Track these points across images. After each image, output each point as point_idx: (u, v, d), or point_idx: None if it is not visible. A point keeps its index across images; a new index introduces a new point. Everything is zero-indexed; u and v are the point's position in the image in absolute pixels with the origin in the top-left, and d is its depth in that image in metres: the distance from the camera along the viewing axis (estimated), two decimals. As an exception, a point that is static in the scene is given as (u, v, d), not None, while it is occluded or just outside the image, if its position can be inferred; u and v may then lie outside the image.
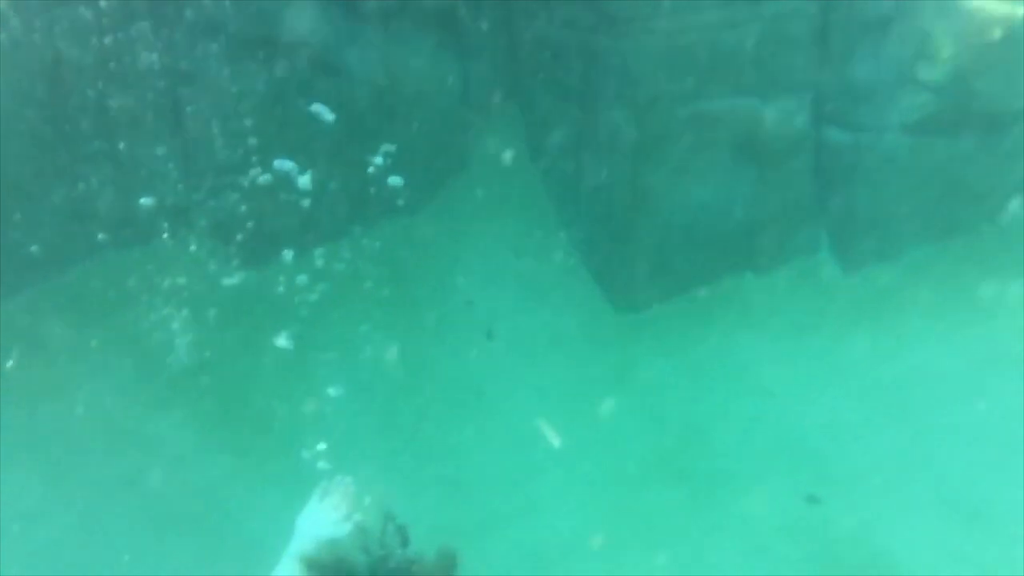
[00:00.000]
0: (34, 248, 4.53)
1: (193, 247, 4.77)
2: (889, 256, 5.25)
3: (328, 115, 4.67)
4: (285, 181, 4.61)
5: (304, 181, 4.58)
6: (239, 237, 4.75)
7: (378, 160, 4.82)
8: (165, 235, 4.70)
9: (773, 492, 4.44)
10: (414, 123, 5.23)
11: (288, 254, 4.79)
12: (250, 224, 4.75)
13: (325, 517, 2.79)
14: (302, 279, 4.65)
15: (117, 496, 4.36)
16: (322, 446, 4.30)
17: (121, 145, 4.65)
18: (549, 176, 5.54)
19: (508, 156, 5.48)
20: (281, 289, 4.66)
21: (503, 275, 5.36)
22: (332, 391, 4.46)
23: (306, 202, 4.69)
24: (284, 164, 4.59)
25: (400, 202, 5.00)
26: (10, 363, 4.45)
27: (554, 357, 5.10)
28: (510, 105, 5.73)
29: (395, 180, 4.82)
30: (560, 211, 5.51)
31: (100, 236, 4.67)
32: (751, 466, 4.62)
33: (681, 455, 4.73)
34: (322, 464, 4.47)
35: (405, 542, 2.12)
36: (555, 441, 4.67)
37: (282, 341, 4.51)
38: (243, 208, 4.72)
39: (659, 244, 5.15)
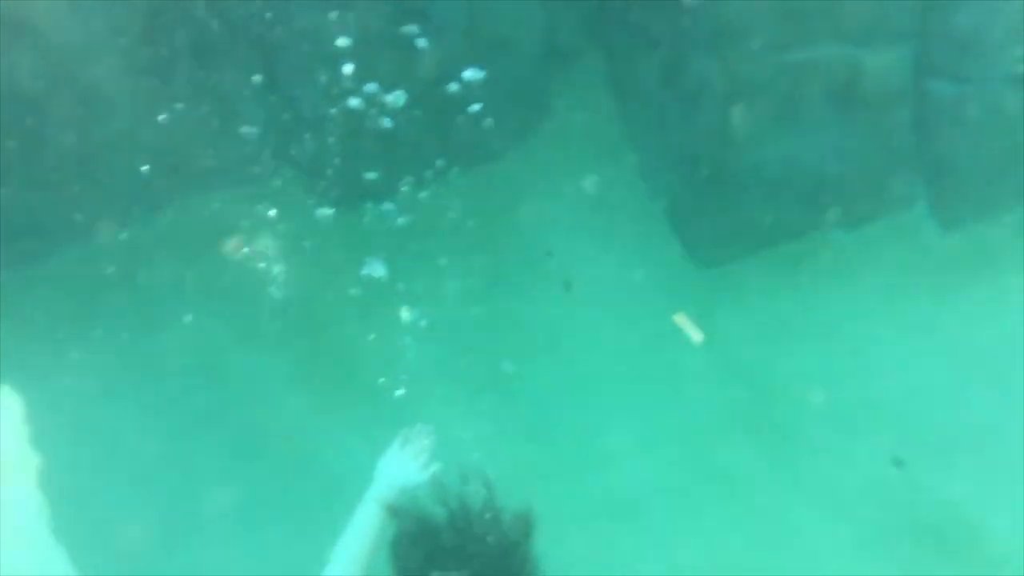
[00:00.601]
0: (130, 186, 4.60)
1: (285, 182, 4.80)
2: (990, 214, 5.02)
3: (420, 42, 4.63)
4: (376, 113, 4.60)
5: (394, 98, 4.54)
6: (330, 171, 4.76)
7: (463, 104, 4.78)
8: (258, 170, 4.73)
9: (856, 454, 4.35)
10: (498, 68, 5.15)
11: (377, 190, 4.79)
12: (341, 159, 4.76)
13: (405, 464, 2.80)
14: (390, 215, 4.66)
15: (204, 429, 4.47)
16: (402, 390, 4.36)
17: (215, 80, 4.64)
18: (634, 125, 5.43)
19: (592, 104, 5.38)
20: (370, 225, 4.68)
21: (583, 226, 5.29)
22: (412, 333, 4.50)
23: (395, 140, 4.66)
24: (375, 93, 4.57)
25: (484, 148, 4.96)
26: (108, 298, 4.55)
27: (632, 309, 5.05)
28: (596, 52, 5.61)
29: (479, 125, 4.78)
30: (643, 161, 5.41)
31: (193, 173, 4.72)
32: (834, 426, 4.51)
33: (760, 411, 4.66)
34: (402, 406, 4.56)
35: (483, 498, 2.11)
36: (696, 337, 4.67)
37: (374, 270, 4.52)
38: (334, 142, 4.72)
39: (745, 197, 5.01)
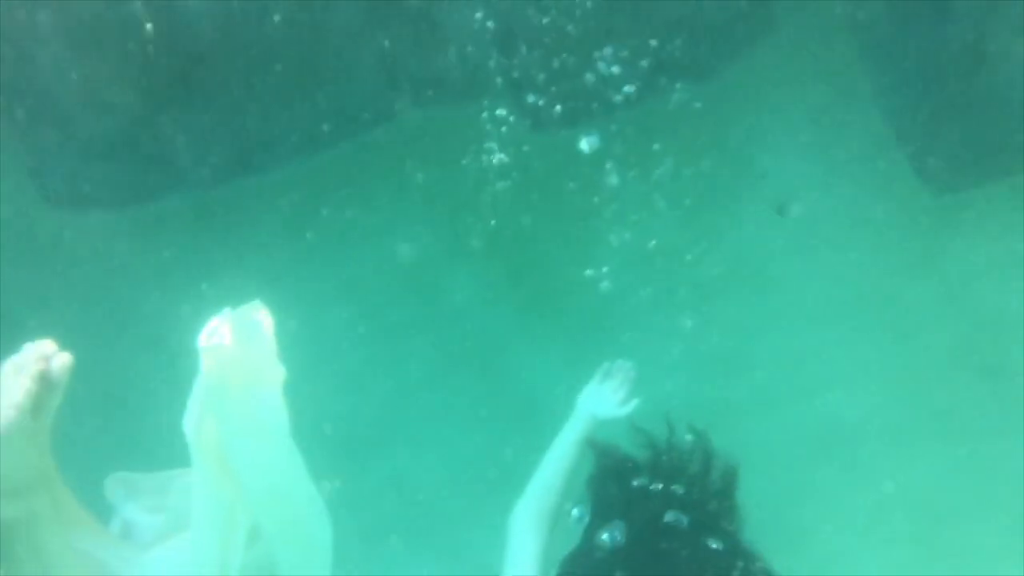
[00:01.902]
0: (347, 104, 4.71)
1: (495, 107, 4.81)
2: None
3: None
4: (584, 42, 4.50)
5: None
6: (538, 99, 4.73)
7: (678, 22, 4.57)
8: (469, 95, 4.74)
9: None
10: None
11: (585, 115, 4.72)
12: (550, 86, 4.70)
13: (605, 399, 2.79)
14: (593, 142, 4.58)
15: (410, 338, 4.63)
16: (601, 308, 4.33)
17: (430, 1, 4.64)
18: (868, 41, 5.03)
19: (822, 18, 5.03)
20: (574, 152, 4.62)
21: (804, 148, 5.01)
22: (618, 258, 4.46)
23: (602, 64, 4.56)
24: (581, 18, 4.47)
25: (700, 65, 4.75)
26: (323, 211, 4.73)
27: (852, 238, 4.77)
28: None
29: (694, 42, 4.55)
30: (877, 80, 5.01)
31: (404, 95, 4.79)
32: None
33: (988, 350, 4.36)
34: (603, 328, 4.54)
35: (691, 444, 2.04)
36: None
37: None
38: (542, 69, 4.67)
39: (993, 119, 4.55)
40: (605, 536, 1.90)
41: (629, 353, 4.43)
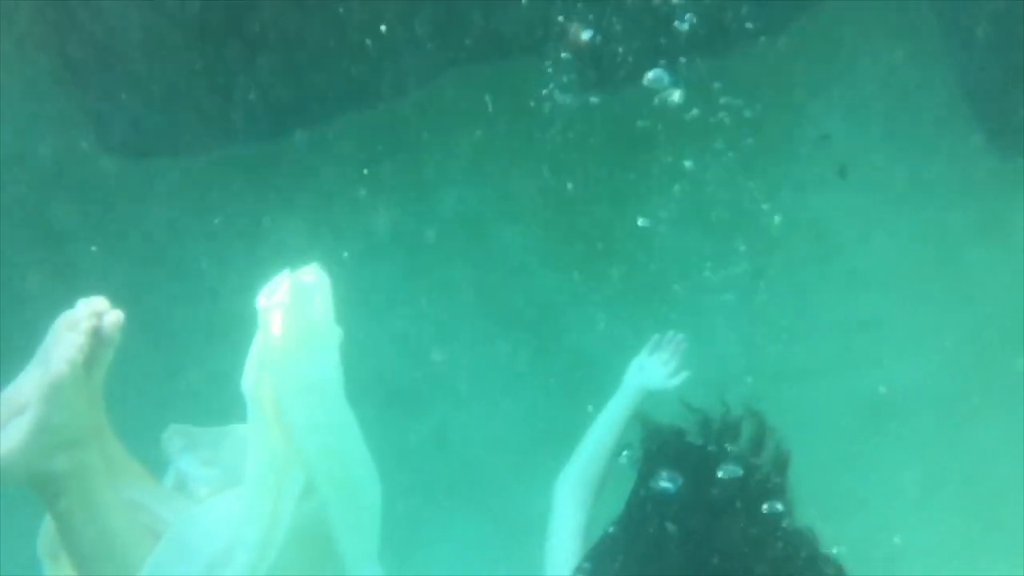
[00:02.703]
0: (404, 57, 4.67)
1: (551, 62, 4.72)
2: None
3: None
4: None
5: None
6: (597, 55, 4.62)
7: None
8: (526, 51, 4.65)
9: None
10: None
11: (646, 69, 4.61)
12: (610, 40, 4.60)
13: (655, 370, 2.78)
14: (659, 78, 4.48)
15: (460, 296, 4.63)
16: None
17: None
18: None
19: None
20: (632, 108, 4.54)
21: (868, 109, 4.87)
22: (672, 221, 4.39)
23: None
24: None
25: (769, 18, 4.60)
26: (377, 166, 4.71)
27: (916, 201, 4.65)
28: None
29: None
30: (949, 38, 4.84)
31: (462, 48, 4.71)
32: None
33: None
34: (656, 292, 4.49)
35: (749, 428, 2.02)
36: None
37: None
38: (602, 26, 4.56)
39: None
40: (658, 483, 1.91)
41: (682, 315, 4.41)
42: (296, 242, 4.52)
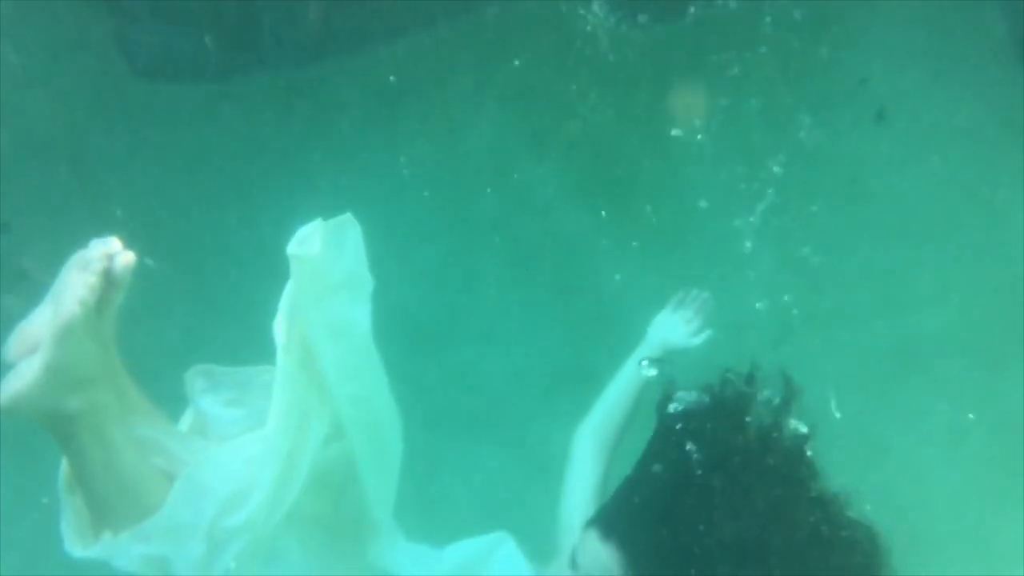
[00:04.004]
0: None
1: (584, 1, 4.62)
2: None
3: None
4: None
5: None
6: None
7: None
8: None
9: None
10: None
11: (680, 11, 4.51)
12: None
13: (677, 328, 2.76)
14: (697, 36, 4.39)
15: (484, 236, 4.59)
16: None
17: None
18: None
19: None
20: (664, 50, 4.45)
21: (908, 51, 4.74)
22: (702, 159, 4.30)
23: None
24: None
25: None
26: (406, 102, 4.66)
27: (955, 146, 4.54)
28: None
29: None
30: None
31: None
32: None
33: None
34: (682, 232, 4.43)
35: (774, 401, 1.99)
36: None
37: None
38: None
39: None
40: (683, 395, 1.94)
41: (710, 261, 4.37)
42: (323, 174, 4.50)
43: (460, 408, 4.12)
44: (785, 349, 4.08)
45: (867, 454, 3.78)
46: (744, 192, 4.44)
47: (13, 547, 3.55)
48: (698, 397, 2.03)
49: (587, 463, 2.35)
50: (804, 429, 1.91)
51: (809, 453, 1.90)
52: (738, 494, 1.86)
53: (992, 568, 3.59)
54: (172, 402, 1.97)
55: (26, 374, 1.54)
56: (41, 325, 1.56)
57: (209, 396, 1.95)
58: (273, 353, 1.76)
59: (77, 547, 1.67)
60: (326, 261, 1.69)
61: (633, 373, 2.56)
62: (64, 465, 1.72)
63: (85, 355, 1.57)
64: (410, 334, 4.06)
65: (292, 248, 1.69)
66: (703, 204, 4.41)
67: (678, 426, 1.98)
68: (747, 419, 1.93)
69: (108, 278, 1.60)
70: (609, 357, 2.84)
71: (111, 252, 1.61)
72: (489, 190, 4.64)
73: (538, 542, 2.35)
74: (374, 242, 1.80)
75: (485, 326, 4.39)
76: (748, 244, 4.21)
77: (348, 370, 1.77)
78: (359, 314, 1.77)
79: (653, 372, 2.51)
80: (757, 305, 4.17)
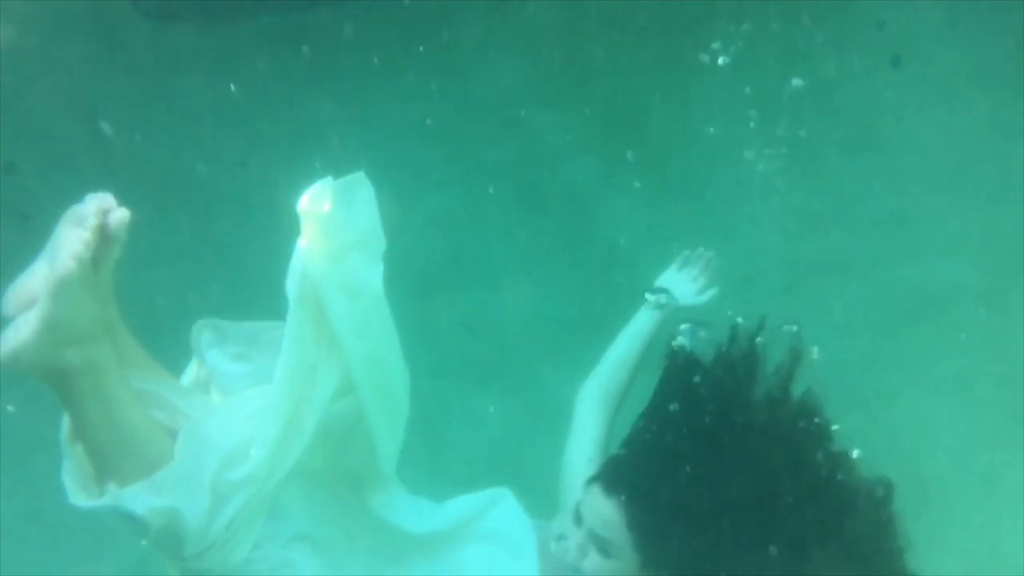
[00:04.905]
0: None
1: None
2: None
3: None
4: None
5: None
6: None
7: None
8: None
9: None
10: None
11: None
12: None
13: (682, 286, 2.75)
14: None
15: (495, 180, 4.54)
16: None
17: None
18: None
19: None
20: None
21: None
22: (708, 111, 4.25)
23: None
24: None
25: None
26: (416, 50, 4.60)
27: (969, 94, 4.48)
28: None
29: None
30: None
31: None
32: None
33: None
34: (692, 180, 4.39)
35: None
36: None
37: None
38: None
39: None
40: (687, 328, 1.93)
41: (722, 209, 4.33)
42: (330, 120, 4.46)
43: (467, 355, 4.12)
44: (795, 296, 4.06)
45: (876, 401, 3.78)
46: (756, 140, 4.40)
47: (20, 486, 3.59)
48: (701, 331, 2.04)
49: (591, 419, 2.35)
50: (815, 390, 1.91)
51: (820, 412, 1.90)
52: (746, 452, 1.86)
53: (996, 511, 3.60)
54: (178, 355, 1.97)
55: (23, 329, 1.54)
56: (38, 280, 1.56)
57: (216, 350, 1.94)
58: (281, 309, 1.76)
59: (81, 498, 1.69)
60: (337, 219, 1.68)
61: (638, 329, 2.55)
62: (65, 418, 1.72)
63: (82, 310, 1.56)
64: (418, 282, 4.05)
65: (303, 206, 1.67)
66: (713, 154, 4.37)
67: (683, 379, 1.97)
68: (755, 376, 1.93)
69: (103, 234, 1.59)
70: (616, 305, 2.83)
71: (106, 208, 1.60)
72: (496, 137, 4.61)
73: (545, 488, 2.37)
74: (382, 188, 1.79)
75: (493, 274, 4.38)
76: (758, 192, 4.18)
77: (361, 329, 1.77)
78: (372, 274, 1.76)
79: (662, 300, 2.52)
80: (767, 252, 4.15)
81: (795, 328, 1.92)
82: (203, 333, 1.96)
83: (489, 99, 4.59)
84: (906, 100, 4.54)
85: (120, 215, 1.60)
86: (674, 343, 2.10)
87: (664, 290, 2.57)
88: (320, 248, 1.69)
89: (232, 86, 4.41)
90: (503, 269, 4.36)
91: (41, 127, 4.35)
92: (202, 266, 4.14)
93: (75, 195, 1.62)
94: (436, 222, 4.39)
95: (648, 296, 2.56)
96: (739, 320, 1.95)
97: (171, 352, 1.94)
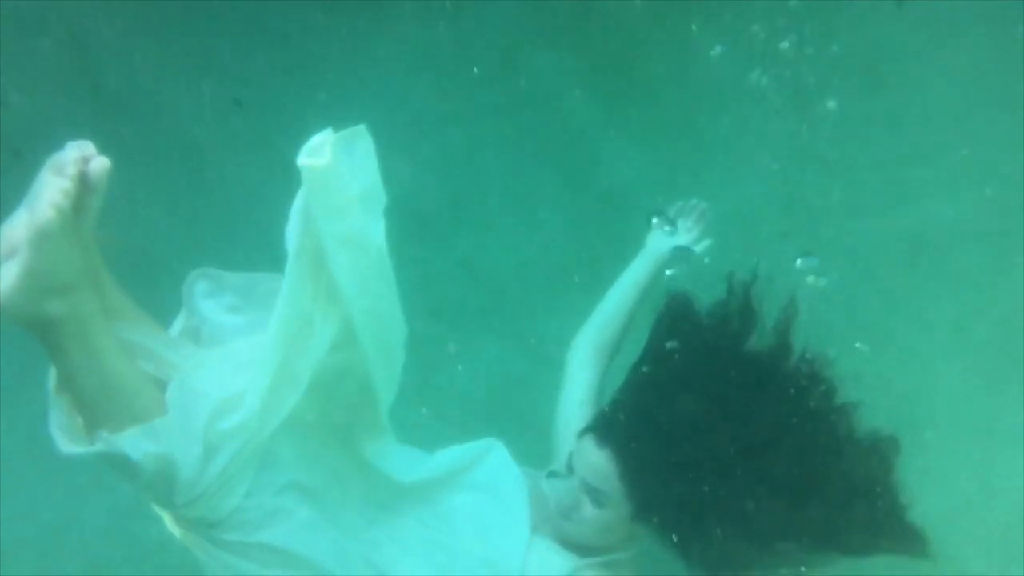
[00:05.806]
0: None
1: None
2: None
3: None
4: None
5: None
6: None
7: None
8: None
9: None
10: None
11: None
12: None
13: (676, 238, 2.75)
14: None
15: (490, 125, 4.51)
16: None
17: None
18: None
19: None
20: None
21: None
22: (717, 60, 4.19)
23: None
24: None
25: None
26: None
27: (974, 33, 4.39)
28: None
29: None
30: None
31: None
32: None
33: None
34: (692, 125, 4.34)
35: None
36: None
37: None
38: None
39: None
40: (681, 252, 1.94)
41: (719, 152, 4.29)
42: (325, 59, 4.40)
43: (463, 299, 4.13)
44: (794, 239, 4.05)
45: (871, 342, 3.79)
46: (756, 81, 4.35)
47: (16, 422, 3.60)
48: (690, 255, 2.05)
49: (584, 370, 2.36)
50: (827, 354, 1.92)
51: (819, 364, 1.90)
52: (739, 402, 1.87)
53: (991, 451, 3.63)
54: (170, 300, 1.95)
55: (5, 279, 1.53)
56: (19, 229, 1.55)
57: (210, 300, 1.94)
58: (271, 250, 1.74)
59: (69, 446, 1.69)
60: (337, 172, 1.66)
61: (633, 281, 2.55)
62: (53, 369, 1.72)
63: (64, 260, 1.55)
64: (414, 224, 4.03)
65: (302, 158, 1.65)
66: (714, 96, 4.32)
67: (679, 326, 1.97)
68: (752, 325, 1.93)
69: (83, 182, 1.57)
70: (613, 249, 2.82)
71: (86, 156, 1.58)
72: (493, 78, 4.55)
73: (541, 430, 2.38)
74: (377, 130, 1.77)
75: (489, 217, 4.36)
76: (758, 134, 4.15)
77: (364, 284, 1.77)
78: (373, 228, 1.76)
79: (665, 227, 2.53)
80: (766, 195, 4.13)
81: (815, 260, 1.93)
82: (198, 282, 1.96)
83: (486, 39, 4.51)
84: (909, 40, 4.48)
85: (100, 164, 1.59)
86: (668, 271, 2.12)
87: (669, 219, 2.58)
88: (321, 202, 1.67)
89: (227, 24, 4.35)
90: (500, 212, 4.35)
91: (35, 63, 4.27)
92: (198, 213, 4.11)
93: (68, 133, 1.60)
94: (431, 164, 4.35)
95: (653, 219, 2.57)
96: (734, 274, 1.94)
97: (162, 298, 1.93)
